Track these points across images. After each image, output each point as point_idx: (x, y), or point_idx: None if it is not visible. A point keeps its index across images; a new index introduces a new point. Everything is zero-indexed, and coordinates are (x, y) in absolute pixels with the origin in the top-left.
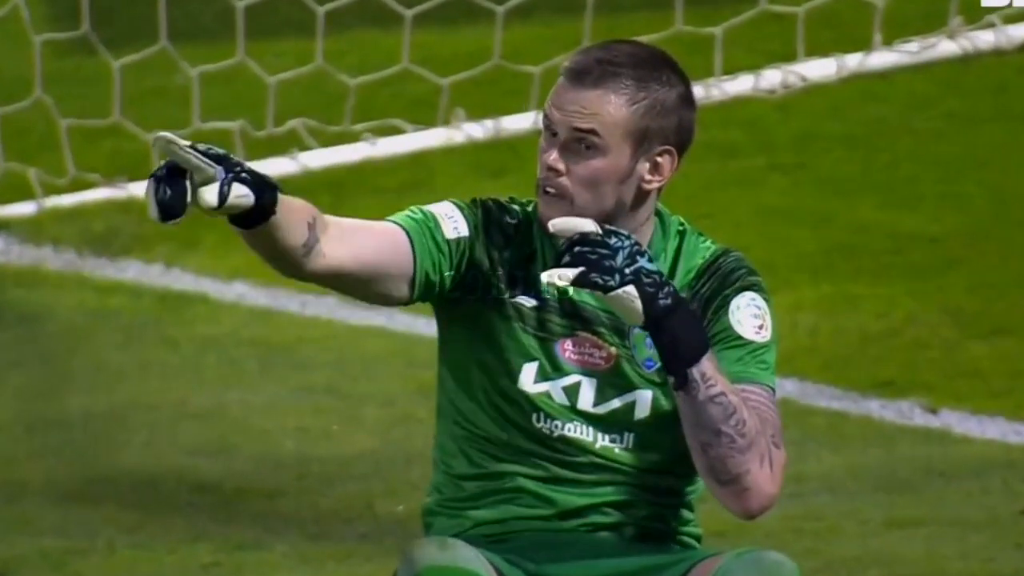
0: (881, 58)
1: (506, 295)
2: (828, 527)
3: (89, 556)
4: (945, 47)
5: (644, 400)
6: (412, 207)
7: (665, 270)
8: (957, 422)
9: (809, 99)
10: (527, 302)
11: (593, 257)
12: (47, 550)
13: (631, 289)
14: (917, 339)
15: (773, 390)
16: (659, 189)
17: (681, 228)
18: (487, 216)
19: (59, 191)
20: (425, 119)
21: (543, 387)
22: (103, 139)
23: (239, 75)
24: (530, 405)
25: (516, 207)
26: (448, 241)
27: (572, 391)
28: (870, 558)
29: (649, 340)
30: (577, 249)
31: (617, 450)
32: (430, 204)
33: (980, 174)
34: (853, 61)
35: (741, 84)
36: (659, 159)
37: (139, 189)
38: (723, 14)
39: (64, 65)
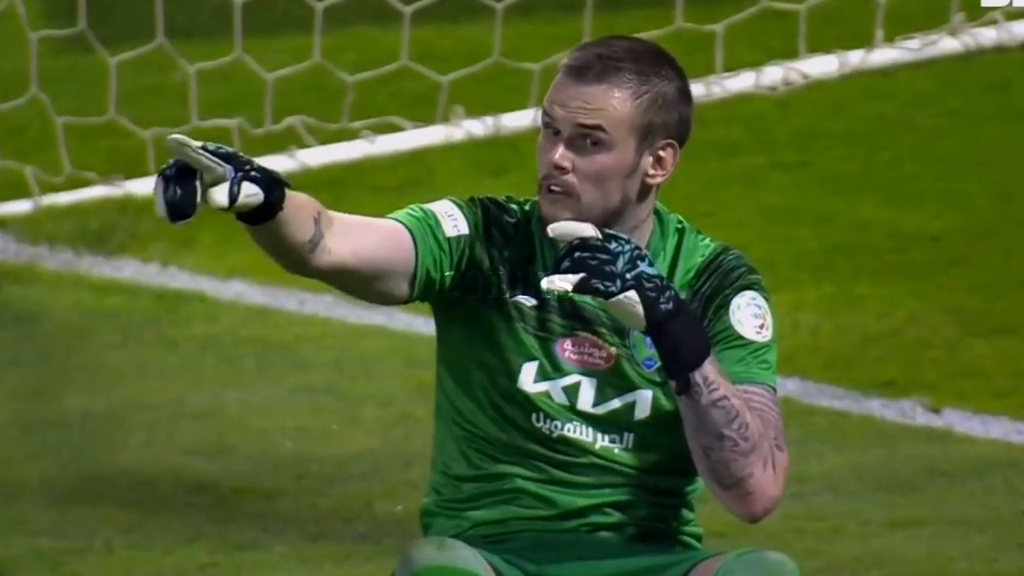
0: (883, 55)
1: (506, 294)
2: (830, 527)
3: (86, 556)
4: (947, 44)
5: (644, 400)
6: (412, 205)
7: (664, 269)
8: (959, 422)
9: (810, 96)
10: (527, 301)
11: (593, 263)
12: (44, 550)
13: (632, 295)
14: (919, 338)
15: (775, 390)
16: (660, 184)
17: (680, 226)
18: (486, 215)
19: (55, 189)
20: (424, 116)
21: (543, 387)
22: (100, 137)
23: (237, 72)
24: (530, 405)
25: (514, 206)
26: (449, 239)
27: (572, 391)
28: (872, 558)
29: (649, 339)
30: (577, 255)
31: (617, 450)
32: (429, 202)
33: (982, 172)
34: (855, 58)
35: (742, 81)
36: (662, 153)
37: (136, 187)
38: (724, 11)
39: (60, 62)
